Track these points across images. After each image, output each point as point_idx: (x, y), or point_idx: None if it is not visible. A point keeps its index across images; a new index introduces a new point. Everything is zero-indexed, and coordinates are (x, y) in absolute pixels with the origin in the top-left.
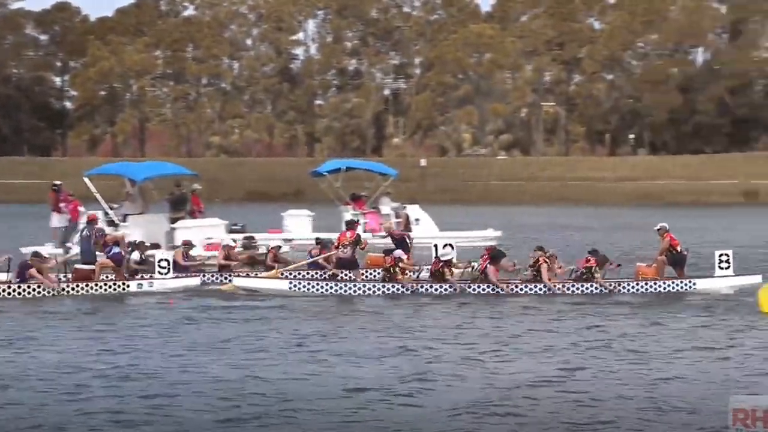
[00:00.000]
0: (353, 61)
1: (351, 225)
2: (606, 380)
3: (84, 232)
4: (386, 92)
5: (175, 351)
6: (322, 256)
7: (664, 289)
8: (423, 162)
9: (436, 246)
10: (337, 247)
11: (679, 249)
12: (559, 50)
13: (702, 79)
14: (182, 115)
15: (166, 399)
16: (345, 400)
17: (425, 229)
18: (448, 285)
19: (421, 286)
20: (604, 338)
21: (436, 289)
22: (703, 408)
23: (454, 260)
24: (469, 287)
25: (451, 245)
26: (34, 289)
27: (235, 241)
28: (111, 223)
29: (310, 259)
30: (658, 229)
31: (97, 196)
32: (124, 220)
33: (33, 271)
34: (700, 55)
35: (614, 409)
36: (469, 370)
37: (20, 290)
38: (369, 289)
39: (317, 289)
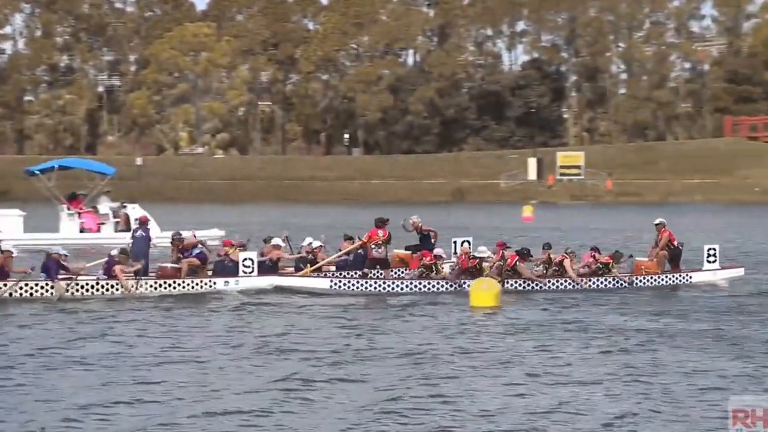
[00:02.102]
0: (65, 56)
1: (382, 223)
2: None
3: (138, 233)
4: (100, 89)
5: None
6: (347, 249)
7: (665, 282)
8: (139, 161)
9: (455, 242)
10: (367, 245)
11: (675, 244)
12: (274, 50)
13: (412, 80)
14: None
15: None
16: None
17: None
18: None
19: (464, 282)
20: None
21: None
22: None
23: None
24: (507, 283)
25: (468, 241)
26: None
27: (283, 241)
28: None
29: (340, 255)
30: (657, 225)
31: None
32: None
33: (117, 268)
34: (410, 57)
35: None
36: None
37: (108, 287)
38: (408, 287)
39: (358, 288)
